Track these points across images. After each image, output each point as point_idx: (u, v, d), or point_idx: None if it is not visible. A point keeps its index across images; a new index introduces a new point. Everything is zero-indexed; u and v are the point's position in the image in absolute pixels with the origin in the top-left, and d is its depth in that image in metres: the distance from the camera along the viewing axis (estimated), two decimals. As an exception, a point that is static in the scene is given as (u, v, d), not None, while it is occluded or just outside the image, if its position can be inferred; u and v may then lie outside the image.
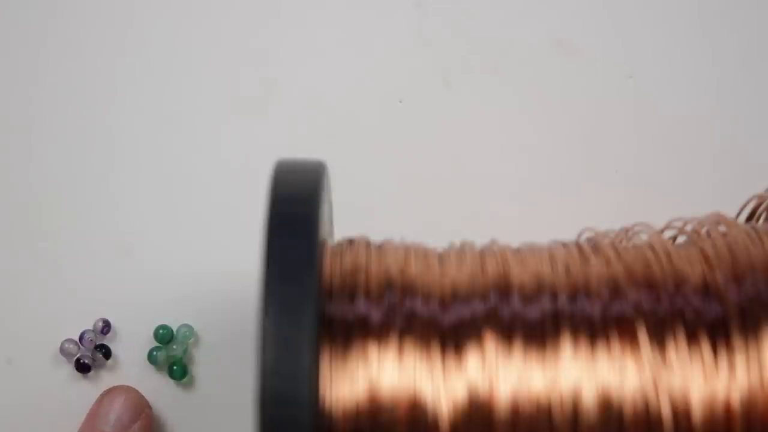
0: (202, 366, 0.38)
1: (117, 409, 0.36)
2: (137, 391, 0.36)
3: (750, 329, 0.24)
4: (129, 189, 0.39)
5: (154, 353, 0.37)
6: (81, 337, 0.37)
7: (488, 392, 0.24)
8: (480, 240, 0.28)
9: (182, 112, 0.39)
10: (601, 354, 0.25)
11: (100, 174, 0.39)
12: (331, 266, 0.26)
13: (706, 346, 0.25)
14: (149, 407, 0.36)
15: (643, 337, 0.25)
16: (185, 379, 0.38)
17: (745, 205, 0.30)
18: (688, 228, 0.29)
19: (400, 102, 0.40)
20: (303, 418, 0.23)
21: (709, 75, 0.41)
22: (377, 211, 0.39)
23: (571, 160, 0.40)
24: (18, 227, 0.39)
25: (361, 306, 0.25)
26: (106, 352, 0.37)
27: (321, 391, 0.24)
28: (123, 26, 0.40)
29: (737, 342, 0.24)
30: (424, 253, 0.27)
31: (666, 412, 0.24)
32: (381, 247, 0.27)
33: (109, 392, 0.36)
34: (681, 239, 0.29)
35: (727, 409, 0.24)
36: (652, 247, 0.27)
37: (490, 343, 0.25)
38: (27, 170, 0.39)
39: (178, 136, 0.39)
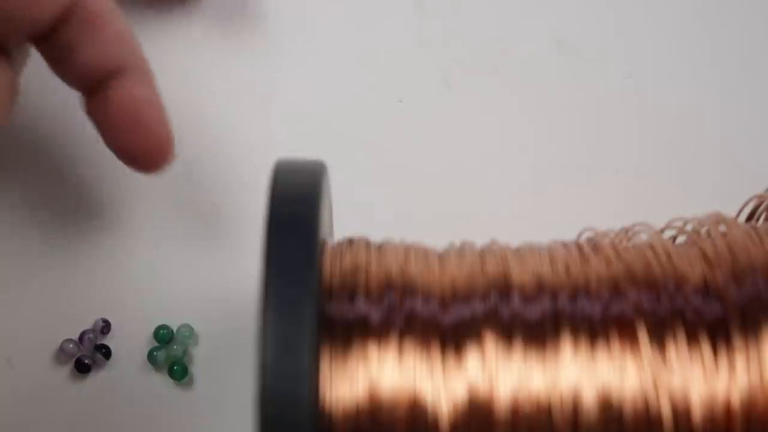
0: (202, 366, 0.38)
1: None
2: None
3: (750, 329, 0.24)
4: (128, 189, 0.39)
5: (154, 353, 0.37)
6: (81, 337, 0.37)
7: (488, 392, 0.24)
8: (480, 240, 0.28)
9: (181, 111, 0.39)
10: (601, 354, 0.25)
11: (100, 173, 0.39)
12: (331, 266, 0.26)
13: (706, 346, 0.25)
14: None
15: (643, 337, 0.25)
16: (185, 379, 0.38)
17: (745, 205, 0.30)
18: (688, 228, 0.29)
19: (400, 102, 0.40)
20: (303, 418, 0.23)
21: (709, 75, 0.41)
22: (377, 211, 0.39)
23: (571, 160, 0.40)
24: (17, 227, 0.39)
25: (361, 306, 0.25)
26: (106, 352, 0.37)
27: (321, 391, 0.24)
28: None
29: (737, 342, 0.24)
30: (424, 253, 0.27)
31: (666, 412, 0.24)
32: (381, 247, 0.27)
33: None
34: (681, 239, 0.29)
35: (727, 409, 0.24)
36: (652, 247, 0.27)
37: (490, 343, 0.25)
38: (26, 170, 0.39)
39: (177, 136, 0.39)
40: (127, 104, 0.35)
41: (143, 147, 0.35)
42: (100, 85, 0.35)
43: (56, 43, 0.34)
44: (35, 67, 0.35)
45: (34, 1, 0.32)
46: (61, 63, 0.35)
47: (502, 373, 0.24)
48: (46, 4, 0.33)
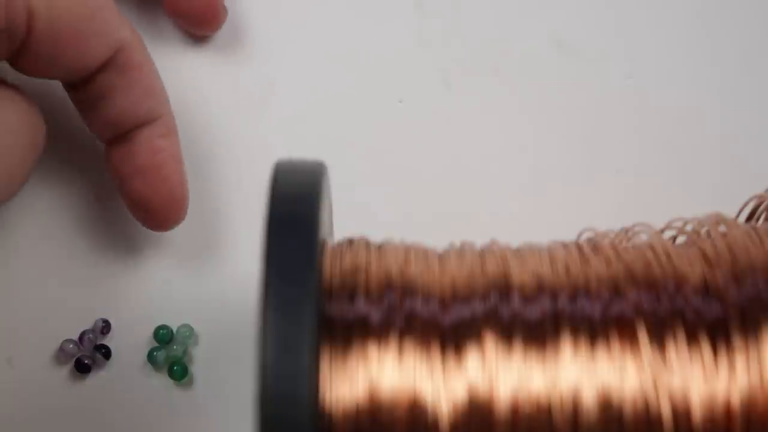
0: (202, 366, 0.38)
1: None
2: None
3: (750, 329, 0.24)
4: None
5: (154, 353, 0.37)
6: (81, 337, 0.37)
7: (488, 392, 0.24)
8: (480, 240, 0.28)
9: (181, 111, 0.39)
10: (601, 354, 0.25)
11: (101, 172, 0.39)
12: (331, 266, 0.26)
13: (706, 346, 0.25)
14: None
15: (643, 337, 0.25)
16: (185, 379, 0.38)
17: (745, 205, 0.30)
18: (688, 228, 0.29)
19: (400, 102, 0.40)
20: (303, 418, 0.23)
21: (709, 75, 0.41)
22: (377, 211, 0.39)
23: (571, 161, 0.40)
24: (17, 227, 0.39)
25: (361, 306, 0.25)
26: (106, 353, 0.37)
27: (321, 391, 0.24)
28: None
29: (737, 342, 0.24)
30: (424, 253, 0.27)
31: (666, 412, 0.24)
32: (381, 247, 0.27)
33: None
34: (681, 239, 0.29)
35: (727, 409, 0.24)
36: (652, 247, 0.27)
37: (490, 343, 0.25)
38: (27, 170, 0.39)
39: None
40: (151, 157, 0.35)
41: (161, 201, 0.36)
42: (126, 135, 0.35)
43: (92, 89, 0.35)
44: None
45: (85, 48, 0.33)
46: (92, 110, 0.35)
47: (502, 373, 0.24)
48: (96, 49, 0.33)
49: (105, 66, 0.34)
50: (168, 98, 0.37)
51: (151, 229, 0.37)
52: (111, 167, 0.36)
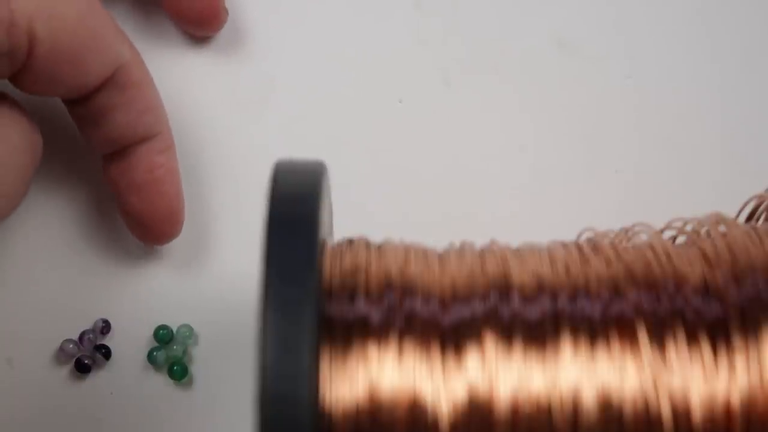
0: (202, 366, 0.38)
1: None
2: None
3: (750, 329, 0.24)
4: (129, 189, 0.39)
5: (154, 353, 0.37)
6: (81, 337, 0.37)
7: (488, 392, 0.24)
8: (480, 240, 0.28)
9: (181, 112, 0.39)
10: (601, 354, 0.25)
11: (101, 172, 0.39)
12: (331, 266, 0.26)
13: (706, 346, 0.25)
14: None
15: (643, 337, 0.25)
16: (185, 379, 0.38)
17: (745, 205, 0.30)
18: (688, 228, 0.29)
19: (400, 102, 0.40)
20: (303, 418, 0.23)
21: (709, 75, 0.41)
22: (377, 211, 0.39)
23: (571, 160, 0.40)
24: (17, 227, 0.39)
25: (361, 306, 0.25)
26: (106, 353, 0.37)
27: (321, 391, 0.24)
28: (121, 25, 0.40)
29: (737, 342, 0.24)
30: (423, 253, 0.27)
31: (666, 412, 0.24)
32: (381, 247, 0.27)
33: None
34: (681, 239, 0.29)
35: (727, 409, 0.24)
36: (652, 247, 0.27)
37: (490, 343, 0.25)
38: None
39: (177, 136, 0.39)
40: (148, 173, 0.36)
41: (157, 217, 0.36)
42: (124, 151, 0.36)
43: (91, 106, 0.35)
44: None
45: (85, 68, 0.33)
46: (92, 126, 0.35)
47: (502, 373, 0.24)
48: (96, 69, 0.33)
49: (105, 84, 0.34)
50: (166, 114, 0.37)
51: (147, 243, 0.38)
52: (108, 182, 0.37)
